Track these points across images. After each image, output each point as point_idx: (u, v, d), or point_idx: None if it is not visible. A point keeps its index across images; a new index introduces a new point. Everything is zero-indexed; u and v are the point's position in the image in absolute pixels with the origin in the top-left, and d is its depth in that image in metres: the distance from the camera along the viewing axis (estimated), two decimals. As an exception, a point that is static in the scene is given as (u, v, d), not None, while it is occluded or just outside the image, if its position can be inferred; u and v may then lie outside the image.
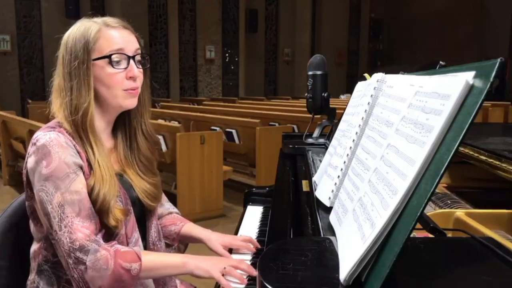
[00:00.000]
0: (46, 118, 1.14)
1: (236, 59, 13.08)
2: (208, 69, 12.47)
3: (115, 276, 0.97)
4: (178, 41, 11.79)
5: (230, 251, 1.24)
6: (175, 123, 4.96)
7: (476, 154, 1.08)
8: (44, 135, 1.03)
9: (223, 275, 1.04)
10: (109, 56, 1.07)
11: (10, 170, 5.28)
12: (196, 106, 8.33)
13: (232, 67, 13.15)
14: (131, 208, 1.13)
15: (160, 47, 11.57)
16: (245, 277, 1.06)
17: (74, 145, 1.05)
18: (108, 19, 1.11)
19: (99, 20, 1.11)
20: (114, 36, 1.09)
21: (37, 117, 6.20)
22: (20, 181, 5.20)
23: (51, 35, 10.22)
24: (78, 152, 1.05)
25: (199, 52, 12.26)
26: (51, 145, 1.01)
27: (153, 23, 11.33)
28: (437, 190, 1.10)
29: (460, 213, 0.92)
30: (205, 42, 12.24)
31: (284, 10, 13.87)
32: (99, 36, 1.07)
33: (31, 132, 4.51)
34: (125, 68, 1.09)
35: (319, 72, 1.75)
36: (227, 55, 12.99)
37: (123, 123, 1.20)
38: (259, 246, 1.24)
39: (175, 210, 1.37)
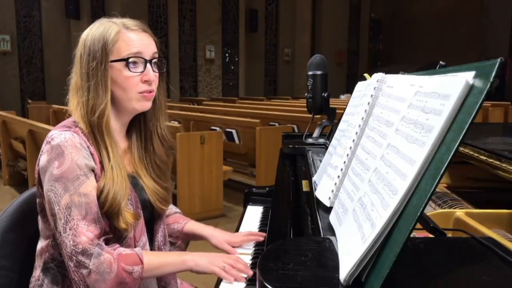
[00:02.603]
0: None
1: (236, 59, 13.08)
2: (208, 69, 12.47)
3: (118, 279, 0.98)
4: (178, 41, 11.79)
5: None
6: (175, 123, 4.96)
7: (476, 154, 1.08)
8: (59, 135, 1.02)
9: None
10: (126, 59, 1.07)
11: (10, 170, 5.28)
12: (196, 106, 8.34)
13: (232, 67, 13.15)
14: (141, 211, 1.13)
15: (160, 47, 11.57)
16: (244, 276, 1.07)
17: (88, 147, 1.04)
18: (127, 21, 1.10)
19: (118, 21, 1.10)
20: (133, 39, 1.08)
21: (37, 117, 6.25)
22: (20, 181, 5.17)
23: (51, 35, 10.25)
24: (92, 154, 1.04)
25: (199, 52, 12.26)
26: (65, 145, 1.00)
27: (153, 23, 11.32)
28: (437, 190, 1.10)
29: (460, 213, 0.92)
30: (205, 42, 12.25)
31: (284, 10, 13.87)
32: (118, 38, 1.06)
33: (31, 132, 4.51)
34: (142, 72, 1.09)
35: (319, 72, 1.75)
36: (227, 55, 12.99)
37: (138, 125, 1.20)
38: (261, 235, 1.27)
39: (178, 210, 1.39)
